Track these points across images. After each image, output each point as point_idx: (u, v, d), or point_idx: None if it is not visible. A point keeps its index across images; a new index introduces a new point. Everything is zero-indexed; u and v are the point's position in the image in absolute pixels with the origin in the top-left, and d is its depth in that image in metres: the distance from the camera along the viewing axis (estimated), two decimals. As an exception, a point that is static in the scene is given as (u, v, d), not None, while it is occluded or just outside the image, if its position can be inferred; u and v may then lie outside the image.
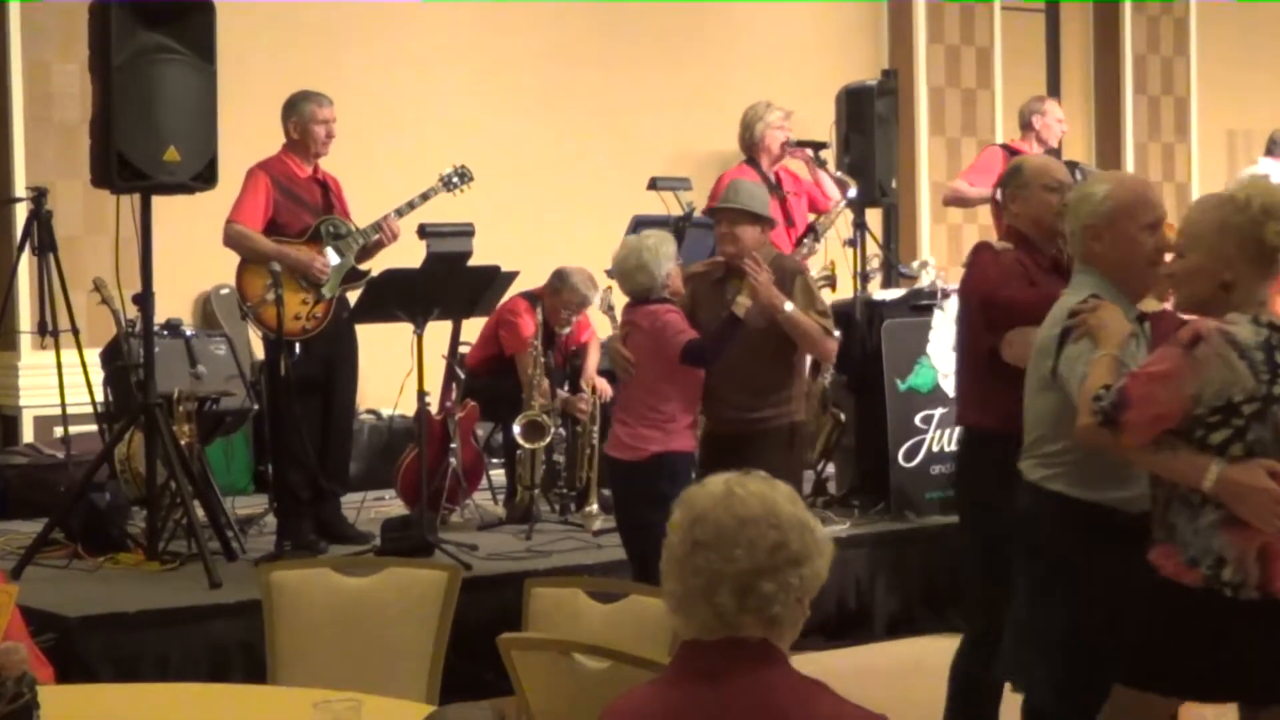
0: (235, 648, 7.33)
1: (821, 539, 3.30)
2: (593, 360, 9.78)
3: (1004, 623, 5.49)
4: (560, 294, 9.66)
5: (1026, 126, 11.18)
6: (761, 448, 7.24)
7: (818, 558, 3.29)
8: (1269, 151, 14.18)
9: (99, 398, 9.24)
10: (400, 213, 8.99)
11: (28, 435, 10.47)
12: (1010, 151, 11.03)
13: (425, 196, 9.11)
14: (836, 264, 9.73)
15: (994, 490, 5.74)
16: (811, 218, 9.92)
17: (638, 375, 7.40)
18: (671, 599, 3.29)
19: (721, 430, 7.46)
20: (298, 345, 8.73)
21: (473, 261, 9.12)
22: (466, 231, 9.27)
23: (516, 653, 4.37)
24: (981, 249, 6.26)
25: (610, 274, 7.56)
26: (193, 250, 10.15)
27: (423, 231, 9.12)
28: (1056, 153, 11.08)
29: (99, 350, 9.51)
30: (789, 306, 7.30)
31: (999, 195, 6.34)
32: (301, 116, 8.91)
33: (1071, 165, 11.00)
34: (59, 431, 9.62)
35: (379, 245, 8.99)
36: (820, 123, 10.78)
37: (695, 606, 3.25)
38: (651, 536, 7.14)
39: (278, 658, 5.10)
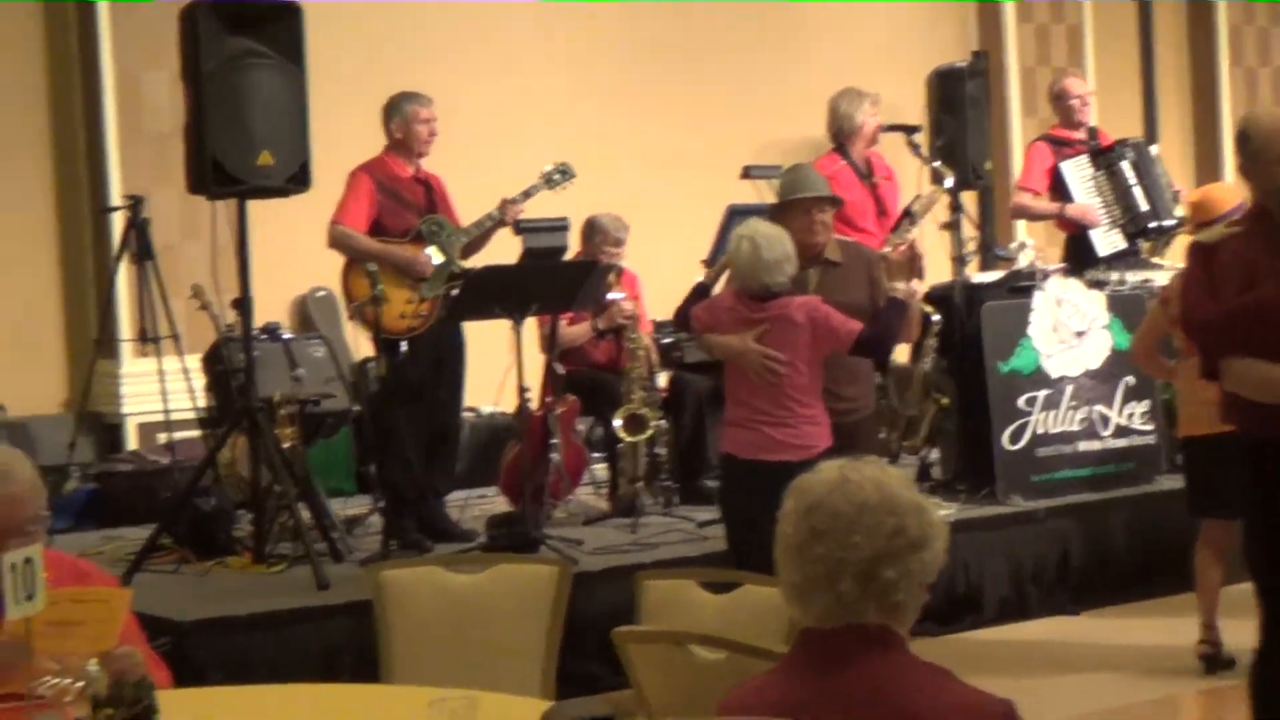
0: (345, 648, 7.34)
1: (938, 522, 3.27)
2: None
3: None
4: (593, 240, 9.72)
5: (1055, 111, 11.07)
6: (866, 436, 7.47)
7: (936, 541, 3.26)
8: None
9: (201, 403, 9.29)
10: (516, 201, 9.01)
11: (131, 442, 10.53)
12: (1053, 141, 10.93)
13: (528, 193, 9.11)
14: (928, 250, 9.65)
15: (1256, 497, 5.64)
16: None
17: (789, 373, 7.09)
18: (790, 589, 3.26)
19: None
20: (404, 344, 8.75)
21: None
22: (562, 226, 9.28)
23: (632, 646, 4.34)
24: (1190, 253, 5.83)
25: (735, 268, 7.20)
26: (288, 254, 10.19)
27: (518, 227, 9.11)
28: (1093, 130, 10.93)
29: (199, 356, 9.55)
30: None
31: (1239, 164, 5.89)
32: (405, 117, 8.93)
33: (1120, 143, 10.93)
34: (162, 438, 9.67)
35: (491, 233, 9.02)
36: (910, 106, 10.71)
37: (816, 595, 3.21)
38: None
39: (390, 657, 5.09)
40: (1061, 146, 10.87)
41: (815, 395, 7.15)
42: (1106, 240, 10.70)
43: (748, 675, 3.53)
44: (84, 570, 4.73)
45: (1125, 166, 10.75)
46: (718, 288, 7.56)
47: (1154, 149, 11.23)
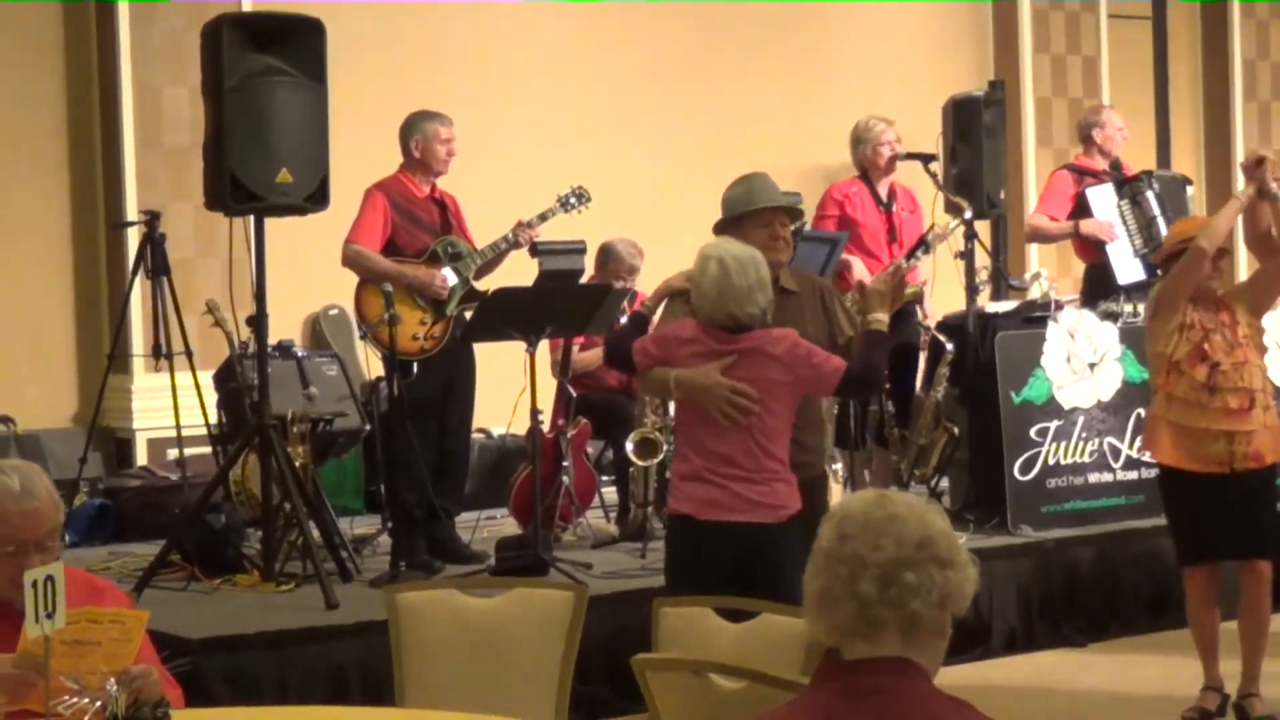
0: (353, 668, 7.33)
1: (969, 557, 3.27)
2: None
3: None
4: (608, 266, 9.76)
5: (1087, 140, 11.05)
6: (820, 495, 6.43)
7: (963, 567, 3.26)
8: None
9: (213, 419, 9.28)
10: (531, 225, 9.01)
11: (142, 458, 10.53)
12: (1077, 171, 10.94)
13: (543, 217, 9.10)
14: (930, 282, 9.68)
15: None
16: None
17: (761, 414, 6.03)
18: (811, 598, 3.23)
19: None
20: (415, 365, 8.75)
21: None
22: (578, 249, 9.27)
23: (650, 673, 4.32)
24: None
25: (699, 294, 6.14)
26: (302, 271, 10.20)
27: (535, 249, 9.11)
28: (1118, 163, 10.95)
29: (212, 372, 9.55)
30: None
31: None
32: (425, 135, 8.93)
33: (1146, 174, 10.93)
34: (173, 454, 9.67)
35: (504, 255, 9.03)
36: (926, 133, 10.71)
37: (836, 600, 3.17)
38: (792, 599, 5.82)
39: (404, 679, 5.07)
40: (1084, 176, 10.86)
41: (785, 447, 6.07)
42: (1126, 269, 10.69)
43: (767, 705, 3.53)
44: (98, 586, 4.71)
45: (1150, 197, 10.75)
46: (656, 317, 6.55)
47: (1189, 189, 11.26)
